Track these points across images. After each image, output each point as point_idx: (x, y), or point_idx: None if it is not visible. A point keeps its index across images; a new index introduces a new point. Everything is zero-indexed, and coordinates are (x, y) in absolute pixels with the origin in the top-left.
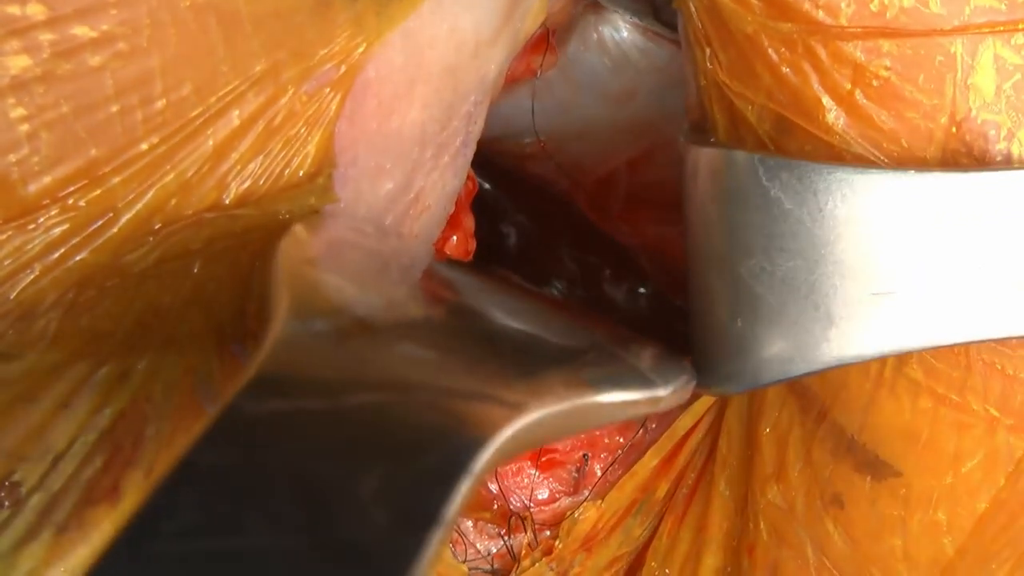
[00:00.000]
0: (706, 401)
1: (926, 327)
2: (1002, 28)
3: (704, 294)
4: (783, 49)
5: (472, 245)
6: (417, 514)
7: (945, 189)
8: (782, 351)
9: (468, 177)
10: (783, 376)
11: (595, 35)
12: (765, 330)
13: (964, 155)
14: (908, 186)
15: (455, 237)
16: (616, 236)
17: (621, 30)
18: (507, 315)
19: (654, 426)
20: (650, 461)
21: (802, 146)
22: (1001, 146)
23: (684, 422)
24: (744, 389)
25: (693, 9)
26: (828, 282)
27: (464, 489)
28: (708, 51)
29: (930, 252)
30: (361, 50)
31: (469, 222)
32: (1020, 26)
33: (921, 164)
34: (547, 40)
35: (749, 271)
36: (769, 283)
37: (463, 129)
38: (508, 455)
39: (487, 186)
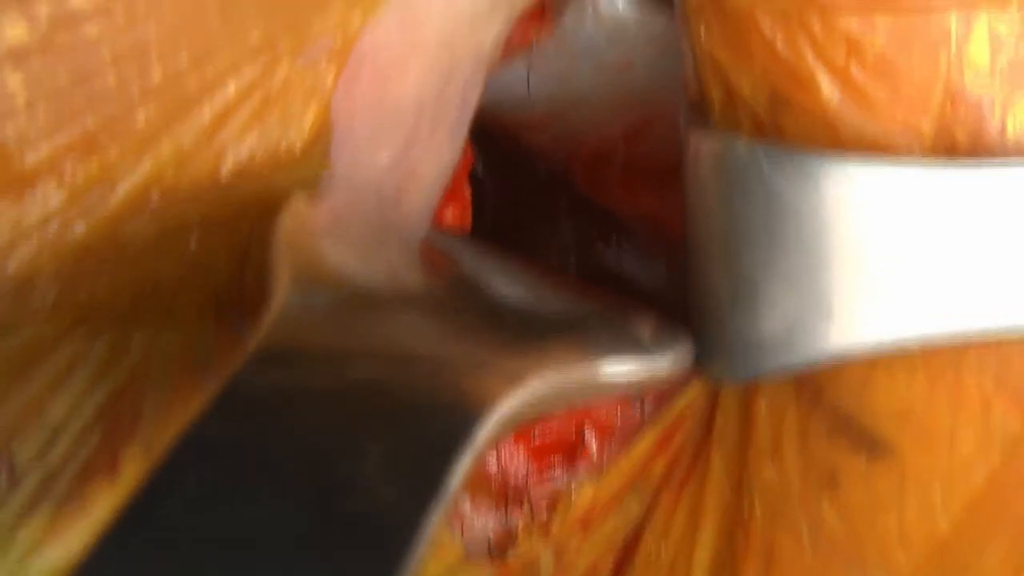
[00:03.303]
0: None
1: (926, 319)
2: (996, 2)
3: (704, 284)
4: (778, 24)
5: (469, 218)
6: (420, 485)
7: (948, 181)
8: (781, 342)
9: (464, 149)
10: (782, 367)
11: (591, 6)
12: (765, 321)
13: (958, 127)
14: (911, 178)
15: (452, 209)
16: (613, 208)
17: (617, 1)
18: (507, 285)
19: (650, 404)
20: (647, 440)
21: (797, 120)
22: (996, 119)
23: (681, 401)
24: (742, 379)
25: None
26: (829, 274)
27: (466, 460)
28: (703, 26)
29: (932, 244)
30: (357, 21)
31: (466, 194)
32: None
33: (916, 136)
34: (543, 11)
35: (750, 261)
36: (769, 274)
37: (459, 100)
38: (510, 426)
39: (480, 161)
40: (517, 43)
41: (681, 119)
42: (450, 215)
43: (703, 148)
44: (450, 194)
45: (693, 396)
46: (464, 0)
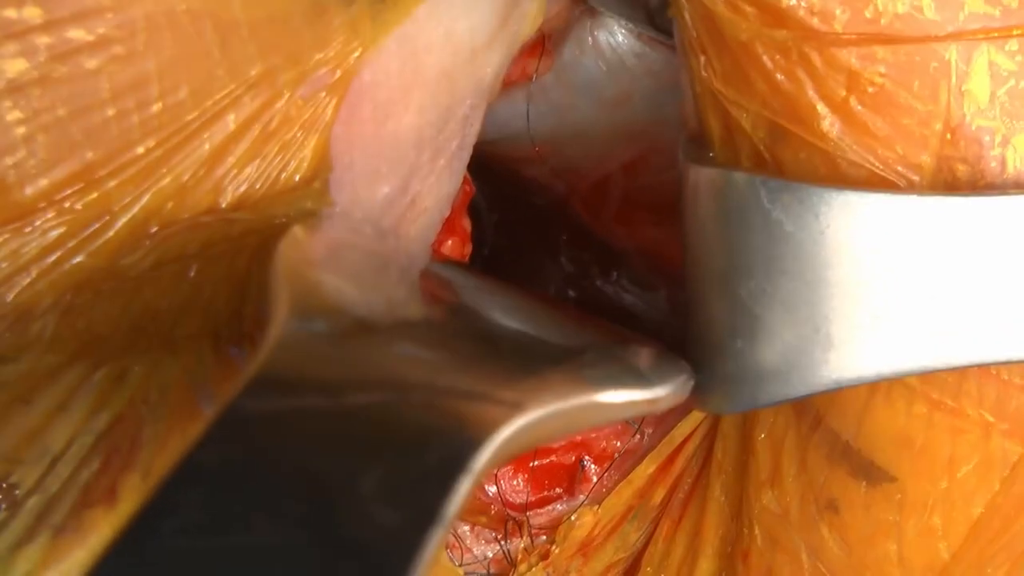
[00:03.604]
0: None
1: (926, 350)
2: (996, 34)
3: (703, 314)
4: (778, 56)
5: (468, 248)
6: (417, 512)
7: (947, 212)
8: (781, 373)
9: (464, 180)
10: (781, 398)
11: (591, 39)
12: (764, 351)
13: (958, 161)
14: (910, 209)
15: (451, 241)
16: (611, 239)
17: (616, 34)
18: (506, 315)
19: (650, 431)
20: (647, 467)
21: (797, 153)
22: (995, 152)
23: (682, 429)
24: (741, 409)
25: (688, 17)
26: (828, 304)
27: (464, 488)
28: (703, 59)
29: (931, 275)
30: (356, 55)
31: (465, 225)
32: (1014, 32)
33: (916, 169)
34: (543, 44)
35: (749, 292)
36: (769, 305)
37: (459, 132)
38: (508, 454)
39: (480, 193)
40: (517, 76)
41: (679, 152)
42: (450, 246)
43: (702, 181)
44: (449, 225)
45: (693, 425)
46: (464, 33)
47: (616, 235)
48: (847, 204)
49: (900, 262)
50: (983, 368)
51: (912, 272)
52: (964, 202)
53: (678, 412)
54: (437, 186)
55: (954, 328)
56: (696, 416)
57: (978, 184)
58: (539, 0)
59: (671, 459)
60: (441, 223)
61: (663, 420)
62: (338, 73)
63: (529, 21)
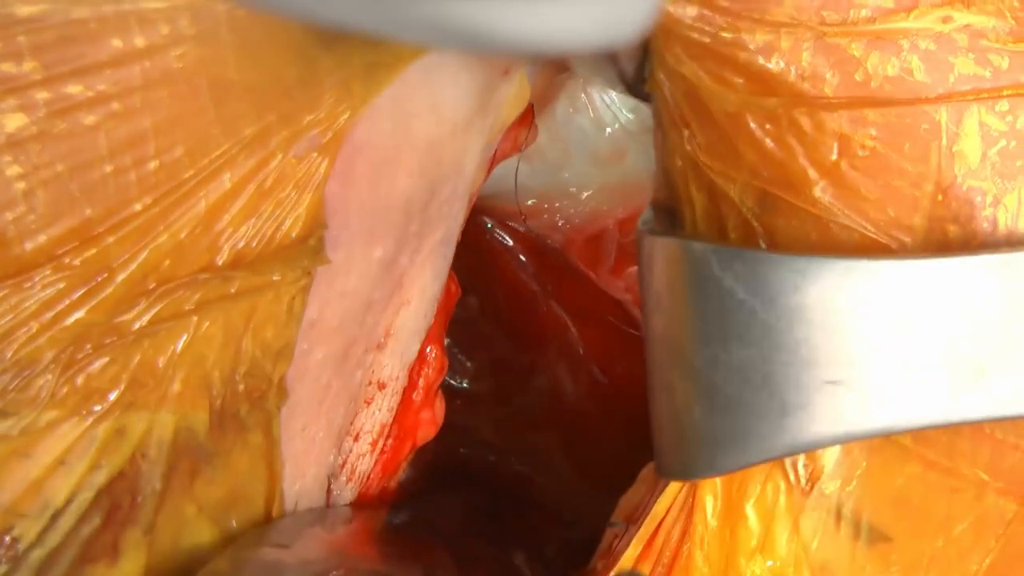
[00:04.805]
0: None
1: (880, 414)
2: (986, 95)
3: (662, 382)
4: (768, 124)
5: (446, 363)
6: None
7: (895, 276)
8: (739, 440)
9: (450, 278)
10: (740, 464)
11: (583, 96)
12: (722, 419)
13: (950, 221)
14: (858, 274)
15: (433, 351)
16: (610, 291)
17: (609, 91)
18: None
19: (636, 518)
20: (634, 550)
21: (788, 220)
22: (987, 212)
23: (663, 503)
24: (700, 477)
25: (668, 93)
26: (782, 371)
27: None
28: (686, 133)
29: (882, 339)
30: (346, 116)
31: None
32: (1004, 93)
33: (908, 231)
34: (531, 115)
35: (705, 361)
36: (725, 372)
37: (443, 218)
38: None
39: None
40: (510, 150)
41: (638, 221)
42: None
43: (657, 250)
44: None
45: (670, 498)
46: (448, 103)
47: (613, 287)
48: (797, 271)
49: (851, 327)
50: (976, 427)
51: (864, 336)
52: (911, 265)
53: (658, 489)
54: (420, 277)
55: (908, 391)
56: (674, 488)
57: (970, 244)
58: (519, 85)
59: (653, 536)
60: (424, 332)
61: (645, 503)
62: (329, 134)
63: (507, 108)
